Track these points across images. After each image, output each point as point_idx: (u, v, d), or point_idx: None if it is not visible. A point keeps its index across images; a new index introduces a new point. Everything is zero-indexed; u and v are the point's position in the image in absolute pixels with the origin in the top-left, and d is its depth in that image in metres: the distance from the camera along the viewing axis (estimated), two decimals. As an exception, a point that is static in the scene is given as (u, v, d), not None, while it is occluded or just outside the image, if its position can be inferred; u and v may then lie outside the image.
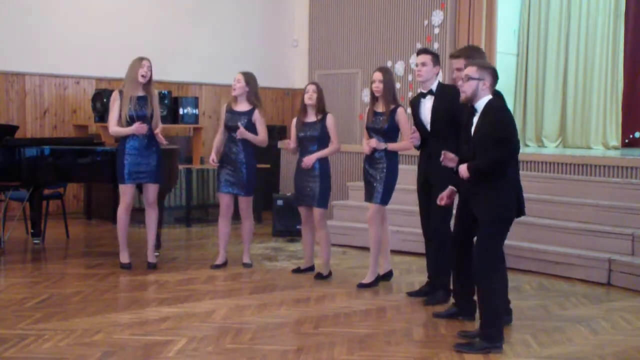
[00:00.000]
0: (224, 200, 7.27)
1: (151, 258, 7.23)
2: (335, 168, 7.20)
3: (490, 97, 4.95)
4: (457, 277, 5.48)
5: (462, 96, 5.02)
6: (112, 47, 10.39)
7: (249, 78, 7.20)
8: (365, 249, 7.35)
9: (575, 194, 8.02)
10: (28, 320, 5.34)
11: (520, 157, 5.30)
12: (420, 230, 6.57)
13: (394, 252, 7.62)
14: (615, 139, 11.20)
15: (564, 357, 4.85)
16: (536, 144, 11.73)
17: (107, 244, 8.46)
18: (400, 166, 6.89)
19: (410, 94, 10.30)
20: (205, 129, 11.31)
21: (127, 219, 7.08)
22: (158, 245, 7.91)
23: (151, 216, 7.17)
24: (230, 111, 7.23)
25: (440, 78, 6.45)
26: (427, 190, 6.17)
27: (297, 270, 7.22)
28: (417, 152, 6.44)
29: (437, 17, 10.60)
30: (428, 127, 6.14)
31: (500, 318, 4.94)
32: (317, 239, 7.14)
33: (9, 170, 7.55)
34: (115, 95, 6.98)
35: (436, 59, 6.25)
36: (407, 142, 6.50)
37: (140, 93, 6.96)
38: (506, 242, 5.27)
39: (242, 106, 7.22)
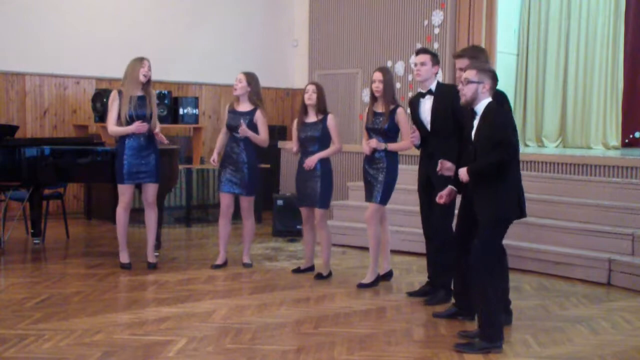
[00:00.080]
0: (225, 200, 7.27)
1: (151, 258, 7.23)
2: (335, 168, 7.19)
3: (490, 100, 4.96)
4: (459, 277, 5.48)
5: (462, 99, 5.02)
6: (112, 47, 10.39)
7: (251, 78, 7.20)
8: (365, 249, 7.36)
9: (575, 194, 8.02)
10: (28, 320, 5.34)
11: (520, 157, 5.30)
12: (420, 230, 6.57)
13: (394, 252, 7.63)
14: (615, 139, 11.20)
15: (564, 357, 4.85)
16: (536, 144, 11.73)
17: (107, 244, 8.46)
18: (400, 166, 6.89)
19: (410, 94, 10.30)
20: (205, 129, 11.31)
21: (126, 219, 7.08)
22: (158, 245, 7.91)
23: (151, 216, 7.17)
24: (232, 111, 7.24)
25: (440, 78, 6.46)
26: (428, 189, 6.17)
27: (297, 270, 7.22)
28: (418, 152, 6.45)
29: (437, 17, 10.61)
30: (428, 126, 6.14)
31: (499, 318, 4.94)
32: (317, 239, 7.14)
33: (9, 170, 7.55)
34: (114, 95, 6.98)
35: (435, 58, 6.24)
36: (407, 142, 6.51)
37: (140, 93, 6.96)
38: (506, 242, 5.28)
39: (244, 106, 7.22)
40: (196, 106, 10.65)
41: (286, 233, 9.34)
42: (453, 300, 5.83)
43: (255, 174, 7.28)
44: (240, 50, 11.82)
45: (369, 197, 6.65)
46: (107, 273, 6.99)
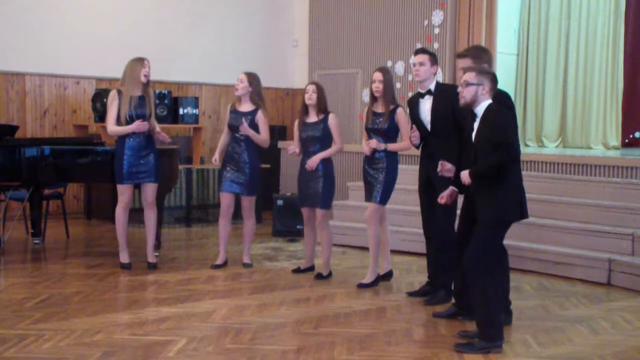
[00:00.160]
0: (225, 200, 7.27)
1: (151, 258, 7.23)
2: (335, 168, 7.19)
3: (490, 101, 4.96)
4: (460, 277, 5.48)
5: (461, 101, 5.02)
6: (112, 47, 10.39)
7: (252, 78, 7.20)
8: (365, 249, 7.36)
9: (575, 194, 8.03)
10: (28, 320, 5.34)
11: (521, 157, 5.30)
12: (420, 230, 6.57)
13: (394, 252, 7.63)
14: (615, 139, 11.20)
15: (564, 357, 4.85)
16: (536, 144, 11.73)
17: (107, 244, 8.47)
18: (400, 166, 6.89)
19: (410, 94, 10.30)
20: (205, 129, 11.32)
21: (125, 219, 7.08)
22: (158, 245, 7.92)
23: (150, 216, 7.16)
24: (233, 111, 7.24)
25: (440, 78, 6.45)
26: (428, 190, 6.17)
27: (297, 270, 7.22)
28: (418, 152, 6.44)
29: (437, 17, 10.61)
30: (428, 127, 6.14)
31: (499, 318, 4.94)
32: (318, 239, 7.14)
33: (9, 170, 7.55)
34: (113, 95, 6.97)
35: (434, 58, 6.24)
36: (406, 142, 6.50)
37: (139, 93, 6.97)
38: (506, 242, 5.28)
39: (246, 106, 7.23)
40: (196, 106, 10.65)
41: (286, 233, 9.34)
42: (453, 300, 5.83)
43: (257, 174, 7.28)
44: (240, 50, 11.82)
45: (368, 197, 6.65)
46: (107, 273, 6.99)
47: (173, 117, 10.41)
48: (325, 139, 6.91)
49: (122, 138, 6.97)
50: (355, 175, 10.24)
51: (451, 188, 5.32)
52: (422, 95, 6.20)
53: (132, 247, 7.47)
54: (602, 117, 11.28)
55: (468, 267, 4.97)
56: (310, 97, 6.89)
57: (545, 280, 7.13)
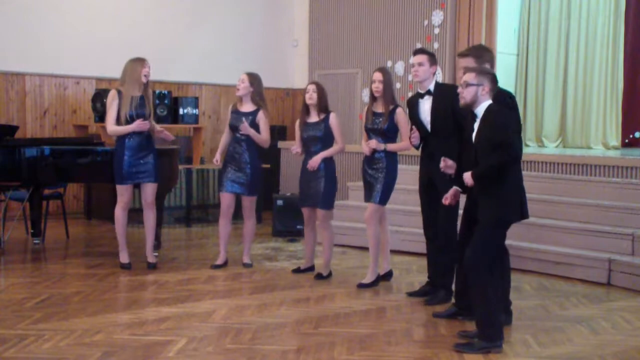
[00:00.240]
0: (226, 200, 7.26)
1: (150, 258, 7.23)
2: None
3: (490, 102, 4.96)
4: (461, 277, 5.47)
5: (461, 102, 5.02)
6: (112, 47, 10.39)
7: (253, 79, 7.21)
8: (365, 249, 7.35)
9: (575, 194, 8.03)
10: (28, 320, 5.34)
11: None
12: (420, 230, 6.57)
13: (393, 252, 7.63)
14: (615, 139, 11.20)
15: (564, 357, 4.85)
16: (536, 144, 11.73)
17: (107, 244, 8.47)
18: (400, 166, 6.89)
19: (410, 94, 10.30)
20: (205, 129, 11.31)
21: (125, 219, 7.09)
22: (158, 245, 7.93)
23: (149, 216, 7.15)
24: (235, 111, 7.25)
25: (439, 78, 6.45)
26: (429, 190, 6.16)
27: (297, 270, 7.22)
28: (417, 152, 6.44)
29: (437, 17, 10.61)
30: (428, 127, 6.13)
31: (499, 318, 4.94)
32: (320, 239, 7.14)
33: (9, 170, 7.55)
34: (113, 95, 6.96)
35: (433, 58, 6.23)
36: (406, 142, 6.50)
37: (139, 93, 6.97)
38: (507, 242, 5.28)
39: (247, 107, 7.23)
40: (196, 106, 10.65)
41: (286, 233, 9.34)
42: (453, 300, 5.83)
43: (258, 174, 7.29)
44: (240, 50, 11.82)
45: (368, 198, 6.64)
46: (107, 273, 6.99)
47: (173, 117, 10.41)
48: (326, 139, 6.90)
49: (121, 138, 6.96)
50: (355, 175, 10.24)
51: (455, 188, 5.31)
52: (421, 96, 6.20)
53: (132, 247, 7.47)
54: (602, 117, 11.28)
55: (468, 267, 4.97)
56: (311, 97, 6.88)
57: (545, 280, 7.13)
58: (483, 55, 5.59)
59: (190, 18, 11.55)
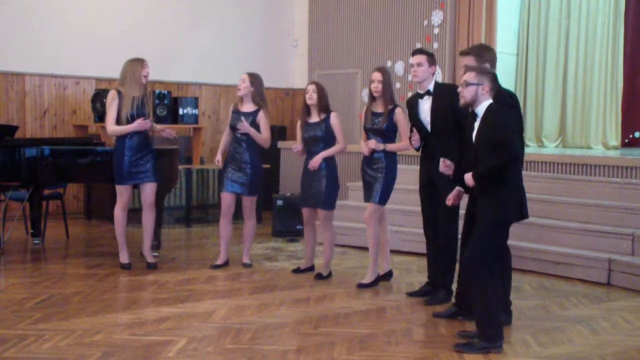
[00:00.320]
0: (226, 201, 7.26)
1: (149, 258, 7.22)
2: (336, 168, 7.17)
3: (490, 101, 4.95)
4: (463, 277, 5.47)
5: (461, 101, 5.02)
6: (112, 47, 10.38)
7: (254, 79, 7.21)
8: (365, 249, 7.35)
9: (575, 194, 8.03)
10: (28, 321, 5.34)
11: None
12: (420, 230, 6.57)
13: (393, 252, 7.63)
14: (615, 139, 11.19)
15: (564, 357, 4.85)
16: (536, 144, 11.73)
17: (107, 244, 8.47)
18: (400, 166, 6.88)
19: (410, 94, 10.31)
20: (205, 129, 11.31)
21: (124, 219, 7.09)
22: (158, 246, 7.93)
23: (149, 217, 7.13)
24: (235, 111, 7.25)
25: (439, 78, 6.44)
26: (429, 190, 6.16)
27: (297, 271, 7.21)
28: (416, 152, 6.42)
29: (437, 17, 10.61)
30: (428, 127, 6.12)
31: (499, 318, 4.94)
32: (321, 239, 7.13)
33: (9, 170, 7.55)
34: (113, 95, 6.95)
35: (432, 58, 6.22)
36: (405, 142, 6.50)
37: (140, 94, 6.98)
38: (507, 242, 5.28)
39: (248, 107, 7.23)
40: (196, 106, 10.65)
41: (286, 233, 9.34)
42: (453, 300, 5.83)
43: (259, 174, 7.28)
44: (240, 50, 11.82)
45: (367, 198, 6.64)
46: (107, 273, 6.99)
47: (173, 117, 10.41)
48: (327, 139, 6.89)
49: (121, 138, 6.96)
50: (355, 175, 10.24)
51: (457, 189, 5.29)
52: (421, 96, 6.19)
53: (132, 247, 7.47)
54: (601, 117, 11.28)
55: (468, 267, 4.97)
56: (311, 97, 6.88)
57: (545, 280, 7.13)
58: (484, 54, 5.58)
59: (190, 18, 11.55)
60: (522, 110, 11.76)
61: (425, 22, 10.74)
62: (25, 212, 8.58)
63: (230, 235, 7.42)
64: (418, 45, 10.25)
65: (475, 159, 4.94)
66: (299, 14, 12.51)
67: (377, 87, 6.49)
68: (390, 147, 6.53)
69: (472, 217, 5.13)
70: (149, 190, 7.08)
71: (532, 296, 6.49)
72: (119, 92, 6.94)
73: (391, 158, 6.58)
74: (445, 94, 6.06)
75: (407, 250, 8.24)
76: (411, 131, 6.15)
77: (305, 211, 7.06)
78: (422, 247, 6.75)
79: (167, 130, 7.22)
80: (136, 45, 9.71)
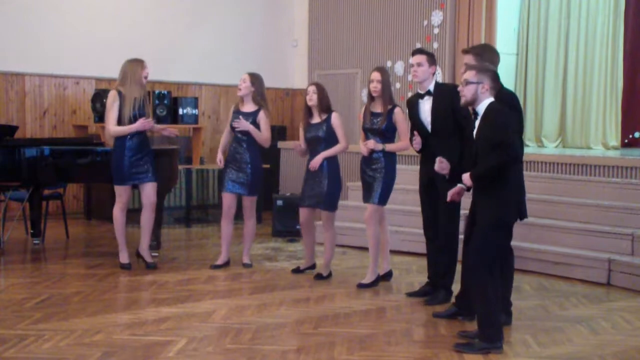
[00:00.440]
0: (227, 201, 7.26)
1: (148, 258, 7.21)
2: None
3: (491, 100, 4.93)
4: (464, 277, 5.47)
5: (462, 100, 5.02)
6: (112, 47, 10.38)
7: (255, 79, 7.21)
8: (365, 249, 7.35)
9: (575, 194, 8.03)
10: (28, 321, 5.34)
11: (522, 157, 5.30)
12: (420, 230, 6.57)
13: (393, 252, 7.63)
14: (615, 139, 11.19)
15: (564, 357, 4.85)
16: (536, 144, 11.73)
17: (107, 244, 8.47)
18: (400, 166, 6.88)
19: (410, 94, 10.31)
20: (205, 129, 11.31)
21: (124, 219, 7.09)
22: (158, 246, 7.92)
23: (149, 217, 7.12)
24: (236, 112, 7.25)
25: (439, 78, 6.43)
26: (429, 190, 6.15)
27: (297, 271, 7.21)
28: (416, 152, 6.41)
29: (437, 17, 10.61)
30: (428, 127, 6.11)
31: (499, 318, 4.94)
32: (321, 239, 7.12)
33: (9, 170, 7.55)
34: (114, 96, 6.94)
35: (432, 58, 6.21)
36: (404, 142, 6.50)
37: (141, 94, 6.98)
38: (507, 242, 5.28)
39: (248, 107, 7.24)
40: (196, 106, 10.64)
41: (286, 233, 9.34)
42: (453, 300, 5.83)
43: (259, 174, 7.28)
44: (240, 50, 11.82)
45: (367, 198, 6.63)
46: (107, 273, 6.99)
47: (173, 117, 10.40)
48: (329, 139, 6.87)
49: (121, 139, 6.95)
50: (355, 175, 10.21)
51: (459, 186, 5.26)
52: (421, 96, 6.18)
53: (132, 247, 7.46)
54: (601, 117, 11.28)
55: (468, 267, 4.97)
56: (311, 98, 6.87)
57: (545, 281, 7.13)
58: (484, 53, 5.58)
59: (190, 18, 11.55)
60: (522, 110, 11.78)
61: (425, 22, 10.75)
62: (25, 212, 8.58)
63: (231, 236, 7.41)
64: (418, 45, 10.25)
65: (475, 158, 4.93)
66: (299, 14, 12.52)
67: (376, 87, 6.49)
68: (389, 147, 6.52)
69: (474, 217, 5.12)
70: (150, 190, 7.08)
71: (532, 296, 6.49)
72: (119, 93, 6.94)
73: (390, 158, 6.58)
74: (445, 94, 6.06)
75: (407, 250, 8.24)
76: (412, 133, 6.13)
77: (302, 211, 7.02)
78: (422, 247, 6.75)
79: (168, 130, 7.23)
80: (136, 45, 9.71)
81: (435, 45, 10.53)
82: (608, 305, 6.24)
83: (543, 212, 7.87)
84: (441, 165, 5.22)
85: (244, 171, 7.19)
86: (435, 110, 6.06)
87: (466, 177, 4.94)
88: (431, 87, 6.14)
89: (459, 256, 5.89)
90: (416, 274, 7.26)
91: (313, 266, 7.19)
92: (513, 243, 5.44)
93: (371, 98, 6.59)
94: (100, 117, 9.61)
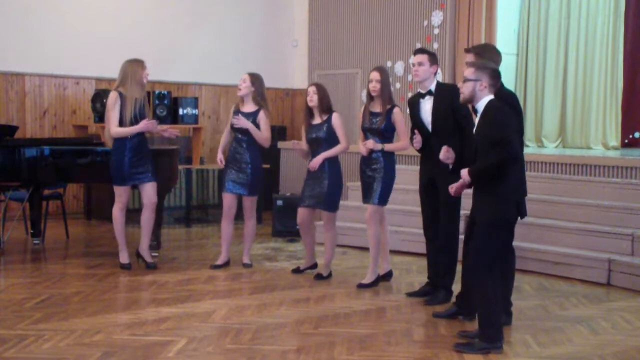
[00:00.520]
0: (227, 201, 7.26)
1: (148, 258, 7.21)
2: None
3: (490, 97, 4.93)
4: (464, 277, 5.47)
5: (461, 97, 5.02)
6: (112, 47, 10.38)
7: (255, 79, 7.22)
8: (365, 249, 7.35)
9: (575, 194, 8.03)
10: (28, 321, 5.34)
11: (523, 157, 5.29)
12: (420, 230, 6.57)
13: (393, 252, 7.63)
14: (615, 139, 11.19)
15: (564, 357, 4.85)
16: (536, 144, 11.73)
17: (107, 244, 8.47)
18: (400, 166, 6.88)
19: (410, 94, 10.30)
20: (205, 130, 11.31)
21: (123, 219, 7.10)
22: (158, 246, 7.92)
23: (149, 217, 7.12)
24: (236, 112, 7.25)
25: (438, 78, 6.42)
26: (430, 190, 6.14)
27: (297, 271, 7.21)
28: (416, 152, 6.41)
29: (437, 17, 10.61)
30: (429, 127, 6.11)
31: (499, 318, 4.93)
32: (322, 239, 7.12)
33: (9, 170, 7.55)
34: (115, 97, 6.92)
35: (433, 58, 6.20)
36: (404, 142, 6.50)
37: (141, 95, 6.98)
38: (507, 242, 5.27)
39: (249, 107, 7.24)
40: (196, 106, 10.64)
41: (286, 233, 9.34)
42: (453, 300, 5.83)
43: (259, 174, 7.28)
44: (240, 50, 11.82)
45: (367, 198, 6.62)
46: (107, 273, 6.99)
47: (173, 117, 10.40)
48: (330, 140, 6.85)
49: (122, 140, 6.94)
50: (355, 175, 10.20)
51: (462, 180, 5.24)
52: (422, 96, 6.18)
53: (132, 247, 7.46)
54: (601, 117, 11.28)
55: (468, 267, 4.97)
56: (312, 99, 6.87)
57: (545, 280, 7.13)
58: (483, 53, 5.58)
59: (190, 18, 11.54)
60: (522, 110, 11.76)
61: (425, 23, 10.74)
62: (25, 212, 8.58)
63: (231, 236, 7.41)
64: (418, 45, 10.25)
65: (475, 155, 4.93)
66: (299, 14, 12.51)
67: (375, 86, 6.48)
68: (388, 146, 6.52)
69: (474, 217, 5.12)
70: (150, 190, 7.08)
71: (532, 296, 6.49)
72: (120, 94, 6.93)
73: (389, 158, 6.57)
74: (446, 94, 6.05)
75: (407, 250, 8.24)
76: (413, 132, 6.14)
77: (301, 211, 7.01)
78: (422, 247, 6.75)
79: (169, 130, 7.22)
80: (136, 45, 9.71)
81: (436, 45, 10.53)
82: (608, 305, 6.25)
83: (543, 212, 7.87)
84: (447, 154, 5.21)
85: (244, 171, 7.19)
86: (436, 110, 6.06)
87: (464, 172, 4.93)
88: (432, 87, 6.13)
89: (459, 256, 5.90)
90: (416, 274, 7.26)
91: (313, 266, 7.19)
92: (514, 243, 5.44)
93: (370, 98, 6.58)
94: (100, 117, 9.61)
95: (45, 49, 10.28)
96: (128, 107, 6.89)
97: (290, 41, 12.62)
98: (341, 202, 9.40)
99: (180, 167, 9.48)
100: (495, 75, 4.98)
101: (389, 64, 10.97)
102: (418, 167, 6.38)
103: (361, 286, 6.63)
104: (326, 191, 6.83)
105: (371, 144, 6.46)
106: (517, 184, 4.98)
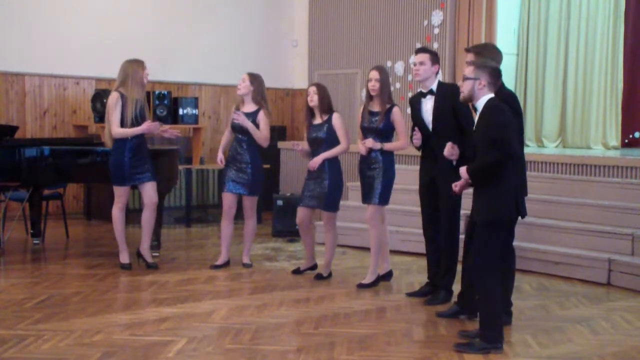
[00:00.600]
0: (227, 201, 7.26)
1: (149, 258, 7.21)
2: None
3: (490, 96, 4.92)
4: (467, 276, 5.47)
5: (461, 96, 5.02)
6: (112, 47, 10.38)
7: (254, 78, 7.22)
8: (365, 249, 7.35)
9: (575, 194, 8.02)
10: (28, 321, 5.34)
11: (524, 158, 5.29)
12: (420, 230, 6.56)
13: (394, 252, 7.63)
14: (615, 139, 11.19)
15: (564, 357, 4.85)
16: (536, 144, 11.72)
17: (107, 244, 8.47)
18: (400, 166, 6.88)
19: (410, 94, 10.30)
20: (205, 130, 11.31)
21: (123, 219, 7.10)
22: (158, 246, 7.92)
23: (150, 216, 7.12)
24: (237, 111, 7.25)
25: (440, 77, 6.42)
26: (430, 190, 6.14)
27: (297, 271, 7.20)
28: (416, 152, 6.42)
29: (437, 17, 10.60)
30: (430, 127, 6.11)
31: (500, 318, 4.93)
32: (322, 239, 7.12)
33: (9, 171, 7.55)
34: (117, 98, 6.91)
35: (435, 57, 6.20)
36: (403, 141, 6.50)
37: (142, 95, 6.99)
38: (507, 242, 5.27)
39: (249, 107, 7.24)
40: (196, 106, 10.64)
41: (286, 233, 9.34)
42: (454, 300, 5.83)
43: (260, 174, 7.28)
44: (240, 50, 11.82)
45: (367, 199, 6.61)
46: (106, 273, 6.99)
47: (173, 117, 10.39)
48: (331, 140, 6.84)
49: (122, 140, 6.93)
50: (355, 175, 10.22)
51: (464, 179, 5.24)
52: (423, 95, 6.17)
53: (132, 247, 7.46)
54: (601, 117, 11.27)
55: (469, 268, 4.97)
56: (312, 99, 6.87)
57: (545, 280, 7.13)
58: (483, 52, 5.57)
59: (190, 18, 11.54)
60: (522, 110, 11.75)
61: (425, 22, 10.74)
62: (25, 212, 8.58)
63: (231, 236, 7.41)
64: (418, 45, 10.24)
65: (474, 154, 4.92)
66: (299, 14, 12.51)
67: (374, 85, 6.48)
68: (387, 146, 6.51)
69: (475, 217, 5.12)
70: (150, 189, 7.08)
71: (532, 296, 6.49)
72: (121, 95, 6.92)
73: (389, 157, 6.56)
74: (447, 94, 6.05)
75: (407, 250, 8.24)
76: (413, 130, 6.14)
77: (300, 211, 7.00)
78: (422, 247, 6.74)
79: (170, 131, 7.21)
80: (136, 45, 9.71)
81: (436, 45, 10.53)
82: (608, 305, 6.25)
83: (543, 212, 7.87)
84: (451, 150, 5.21)
85: (244, 171, 7.19)
86: (437, 110, 6.05)
87: (463, 170, 4.93)
88: (434, 87, 6.13)
89: (459, 256, 5.90)
90: (416, 274, 7.26)
91: (313, 267, 7.18)
92: (514, 243, 5.44)
93: (369, 97, 6.58)
94: (100, 117, 9.61)
95: (45, 49, 10.28)
96: (129, 108, 6.89)
97: (290, 41, 12.62)
98: (341, 202, 9.41)
99: (180, 167, 9.48)
100: (495, 74, 4.97)
101: (389, 63, 10.97)
102: (418, 167, 6.38)
103: (361, 286, 6.63)
104: (326, 191, 6.82)
105: (370, 142, 6.46)
106: (517, 184, 4.99)
